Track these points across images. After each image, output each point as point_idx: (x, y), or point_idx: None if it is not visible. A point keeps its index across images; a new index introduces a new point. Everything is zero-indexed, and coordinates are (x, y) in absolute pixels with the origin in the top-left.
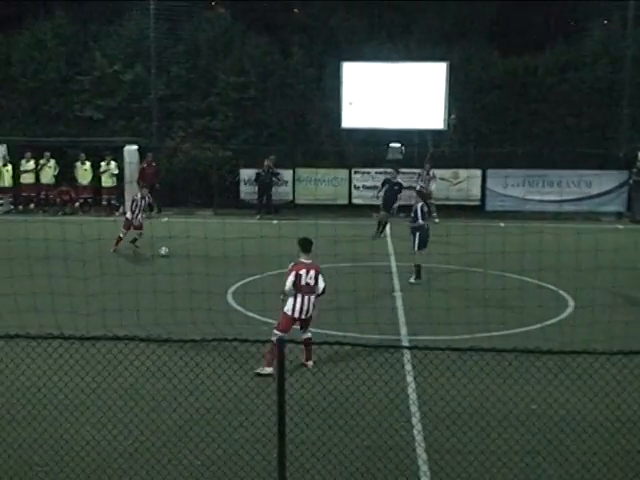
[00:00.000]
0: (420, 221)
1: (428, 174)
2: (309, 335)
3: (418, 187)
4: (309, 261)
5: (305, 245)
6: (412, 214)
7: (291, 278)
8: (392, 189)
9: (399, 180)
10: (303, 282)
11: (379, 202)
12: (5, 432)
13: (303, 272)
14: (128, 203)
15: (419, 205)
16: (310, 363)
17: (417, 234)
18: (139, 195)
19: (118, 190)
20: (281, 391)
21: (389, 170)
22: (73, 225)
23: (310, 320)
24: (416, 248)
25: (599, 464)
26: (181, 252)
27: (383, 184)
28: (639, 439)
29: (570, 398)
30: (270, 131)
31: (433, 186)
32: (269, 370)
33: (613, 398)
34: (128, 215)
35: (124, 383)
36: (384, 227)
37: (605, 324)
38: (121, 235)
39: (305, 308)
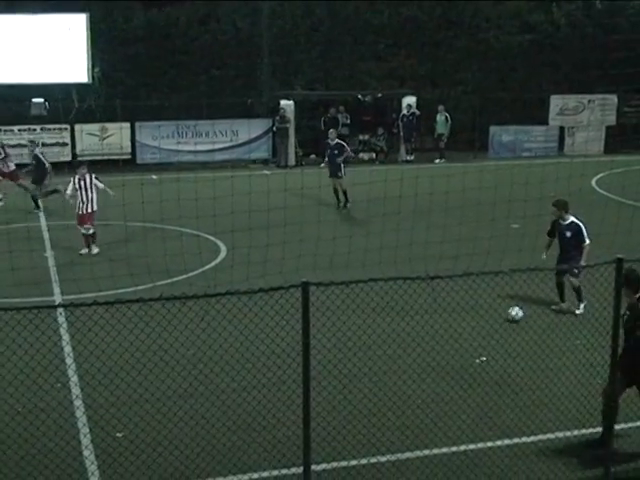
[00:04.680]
0: None
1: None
2: None
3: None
4: None
5: None
6: None
7: None
8: (332, 153)
9: (338, 141)
10: None
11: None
12: None
13: None
14: None
15: None
16: None
17: None
18: None
19: None
20: None
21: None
22: None
23: None
24: None
25: (250, 396)
26: None
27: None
28: (284, 370)
29: (217, 338)
30: None
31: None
32: None
33: (257, 334)
34: None
35: None
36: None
37: (256, 264)
38: None
39: None
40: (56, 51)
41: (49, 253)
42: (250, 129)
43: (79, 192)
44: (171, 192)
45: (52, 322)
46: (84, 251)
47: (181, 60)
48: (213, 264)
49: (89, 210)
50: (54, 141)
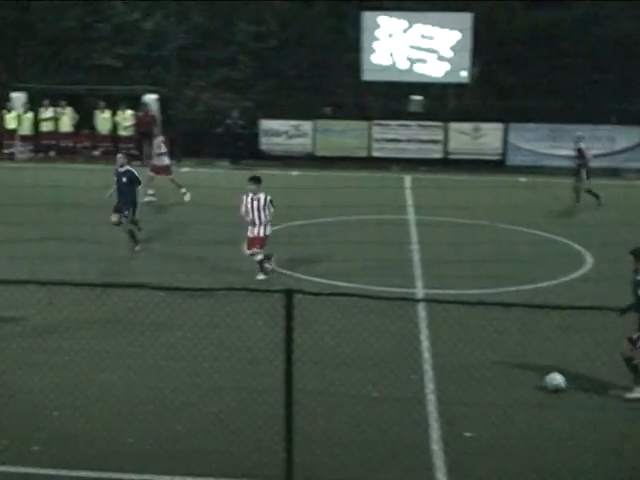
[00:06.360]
0: None
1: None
2: None
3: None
4: None
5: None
6: None
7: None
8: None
9: (580, 147)
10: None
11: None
12: (20, 378)
13: None
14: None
15: None
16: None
17: None
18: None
19: (136, 139)
20: (289, 340)
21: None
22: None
23: None
24: None
25: (605, 418)
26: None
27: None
28: None
29: (576, 353)
30: (290, 82)
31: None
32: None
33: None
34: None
35: (135, 331)
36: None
37: (622, 280)
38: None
39: None
40: (438, 50)
41: (415, 247)
42: (626, 137)
43: (251, 213)
44: (540, 196)
45: (413, 314)
46: (261, 277)
47: (562, 63)
48: (577, 274)
49: (260, 234)
50: (428, 138)
